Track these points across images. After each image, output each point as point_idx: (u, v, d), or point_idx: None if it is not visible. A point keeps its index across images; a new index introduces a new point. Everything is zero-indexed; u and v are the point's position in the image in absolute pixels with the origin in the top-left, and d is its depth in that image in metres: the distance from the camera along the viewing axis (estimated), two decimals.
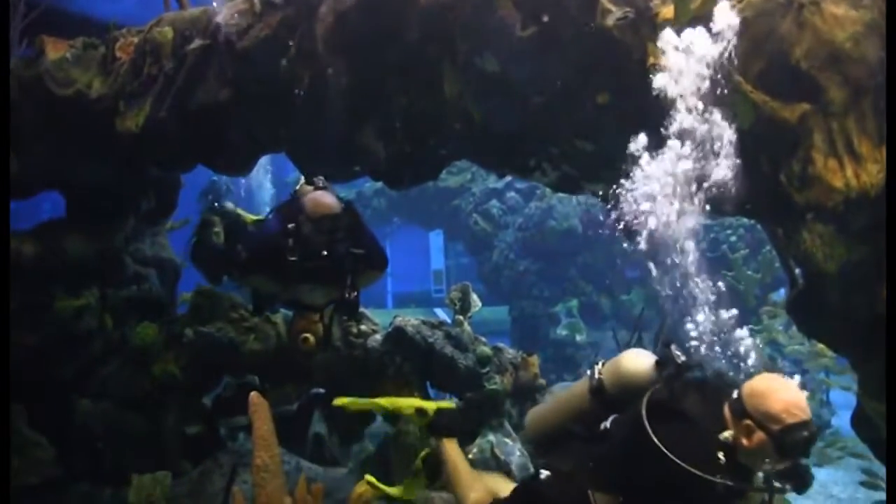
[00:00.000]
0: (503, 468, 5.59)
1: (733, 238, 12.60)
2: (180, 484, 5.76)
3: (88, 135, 5.72)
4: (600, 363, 3.67)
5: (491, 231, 14.65)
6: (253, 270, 5.57)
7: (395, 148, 5.32)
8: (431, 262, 19.07)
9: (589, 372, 3.68)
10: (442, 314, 11.17)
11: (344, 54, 5.07)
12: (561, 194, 12.79)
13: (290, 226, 5.15)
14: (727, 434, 3.05)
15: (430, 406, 4.42)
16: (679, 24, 4.14)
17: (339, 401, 4.68)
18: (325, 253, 5.11)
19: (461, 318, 6.33)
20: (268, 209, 6.12)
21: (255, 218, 6.69)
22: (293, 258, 5.10)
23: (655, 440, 3.02)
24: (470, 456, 5.65)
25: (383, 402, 4.71)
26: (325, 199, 5.18)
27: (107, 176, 6.07)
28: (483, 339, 6.26)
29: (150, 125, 5.48)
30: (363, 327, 6.59)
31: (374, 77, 5.14)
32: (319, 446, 6.66)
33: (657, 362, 3.46)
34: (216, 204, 7.11)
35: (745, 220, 11.88)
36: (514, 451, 5.73)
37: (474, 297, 6.51)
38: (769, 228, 4.93)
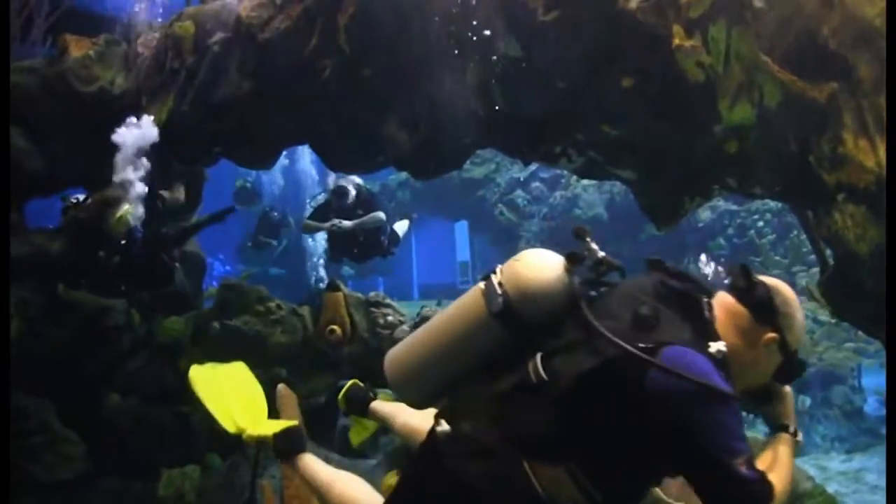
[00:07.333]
0: None
1: (760, 223, 12.46)
2: (209, 477, 5.77)
3: (112, 131, 5.74)
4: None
5: (516, 221, 14.58)
6: None
7: (418, 137, 5.28)
8: (457, 254, 18.96)
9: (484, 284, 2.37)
10: None
11: (366, 44, 5.04)
12: (585, 182, 12.76)
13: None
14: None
15: (268, 430, 3.12)
16: (703, 6, 4.09)
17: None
18: None
19: None
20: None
21: None
22: None
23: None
24: None
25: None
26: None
27: None
28: None
29: (173, 120, 5.50)
30: (390, 318, 6.58)
31: (397, 66, 5.11)
32: (348, 438, 6.64)
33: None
34: None
35: (771, 204, 11.73)
36: None
37: None
38: (799, 211, 4.86)
